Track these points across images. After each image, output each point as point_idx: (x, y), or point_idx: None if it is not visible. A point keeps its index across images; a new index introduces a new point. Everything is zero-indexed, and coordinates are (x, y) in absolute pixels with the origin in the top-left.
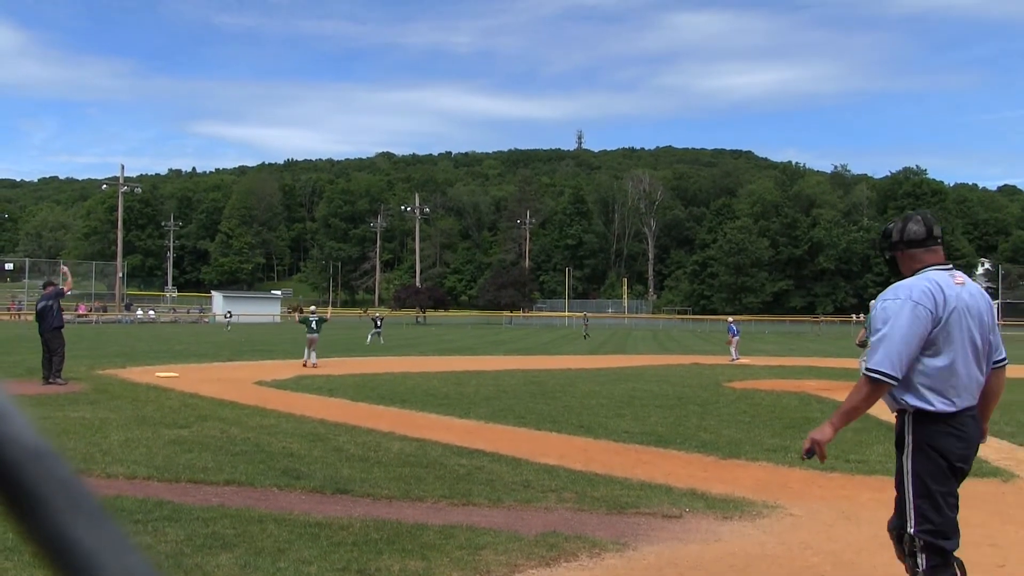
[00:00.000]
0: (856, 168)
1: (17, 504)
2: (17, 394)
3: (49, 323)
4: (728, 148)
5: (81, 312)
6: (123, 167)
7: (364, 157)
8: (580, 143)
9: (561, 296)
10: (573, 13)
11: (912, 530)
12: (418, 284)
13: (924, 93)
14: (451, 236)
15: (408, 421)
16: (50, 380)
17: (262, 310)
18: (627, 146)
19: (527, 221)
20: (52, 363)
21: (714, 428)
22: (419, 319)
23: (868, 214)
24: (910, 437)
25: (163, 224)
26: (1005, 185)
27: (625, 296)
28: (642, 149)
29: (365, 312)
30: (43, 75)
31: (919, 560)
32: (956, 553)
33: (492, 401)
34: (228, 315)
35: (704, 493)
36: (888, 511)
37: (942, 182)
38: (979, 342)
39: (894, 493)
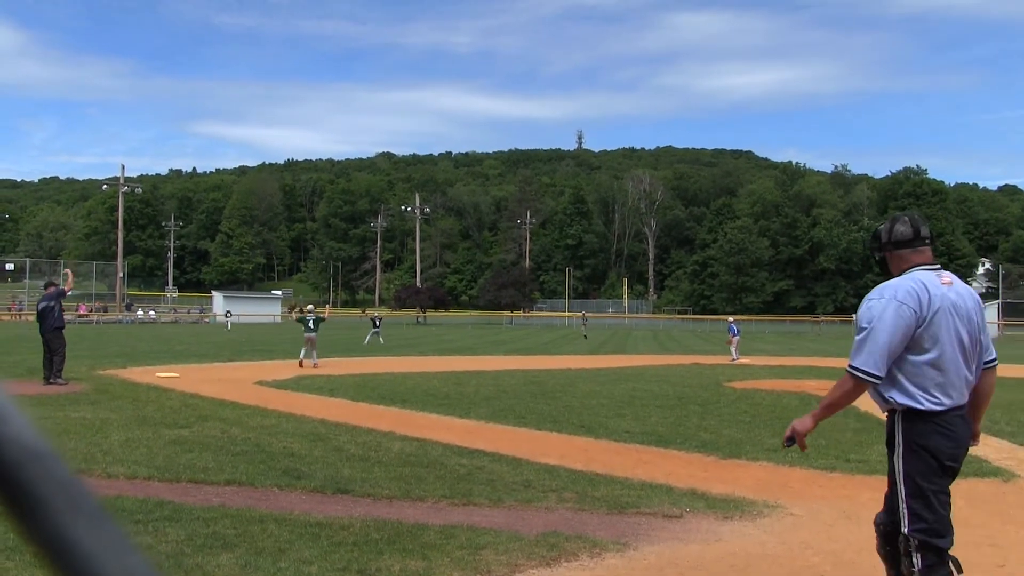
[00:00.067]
0: (856, 168)
1: (17, 505)
2: (18, 394)
3: (50, 323)
4: (728, 148)
5: (82, 312)
6: (123, 167)
7: (364, 157)
8: (580, 143)
9: (561, 296)
10: (573, 13)
11: (906, 530)
12: (418, 284)
13: (924, 93)
14: (451, 236)
15: (408, 421)
16: (51, 380)
17: (262, 310)
18: (627, 146)
19: (527, 221)
20: (53, 363)
21: (715, 428)
22: (419, 319)
23: (868, 214)
24: (900, 437)
25: (163, 224)
26: (1005, 185)
27: (625, 296)
28: (642, 149)
29: (363, 312)
30: (43, 75)
31: (915, 560)
32: (953, 552)
33: (492, 401)
34: (228, 315)
35: (705, 493)
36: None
37: (942, 182)
38: (967, 341)
39: None
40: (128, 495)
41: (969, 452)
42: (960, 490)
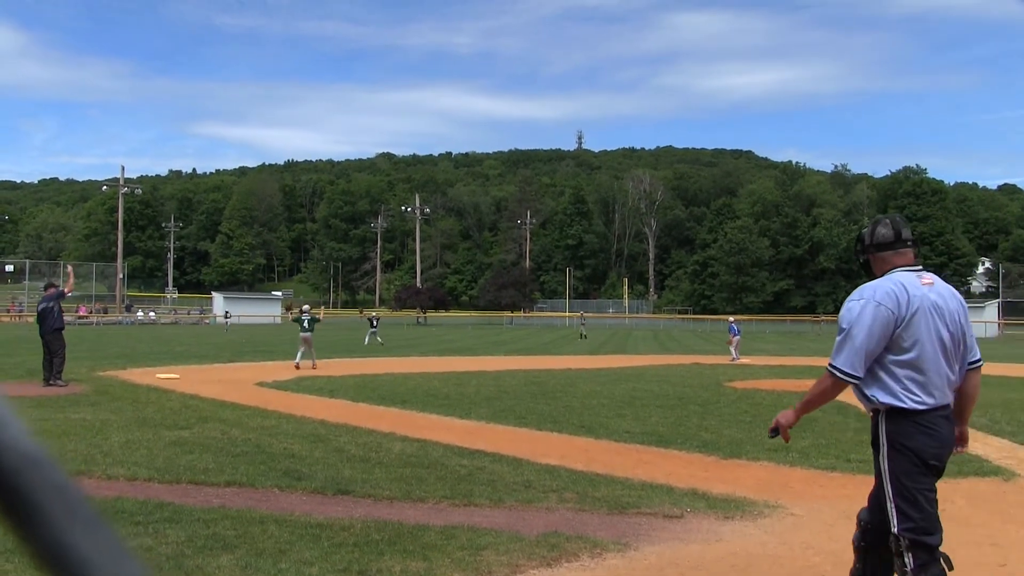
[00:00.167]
0: (856, 168)
1: (15, 511)
2: (18, 396)
3: (50, 324)
4: (728, 148)
5: (82, 314)
6: (123, 168)
7: (364, 158)
8: (580, 143)
9: (562, 296)
10: (573, 13)
11: (896, 529)
12: (419, 285)
13: (924, 93)
14: (451, 236)
15: (409, 422)
16: (51, 382)
17: (263, 311)
18: (627, 146)
19: (527, 221)
20: (53, 365)
21: (715, 428)
22: (420, 320)
23: (868, 213)
24: (884, 438)
25: (163, 225)
26: (1005, 184)
27: (626, 296)
28: (642, 149)
29: (361, 312)
30: (44, 76)
31: (906, 559)
32: (954, 552)
33: (493, 401)
34: (227, 316)
35: (705, 493)
36: None
37: (942, 181)
38: (948, 341)
39: None
40: (128, 496)
41: (969, 451)
42: (960, 489)
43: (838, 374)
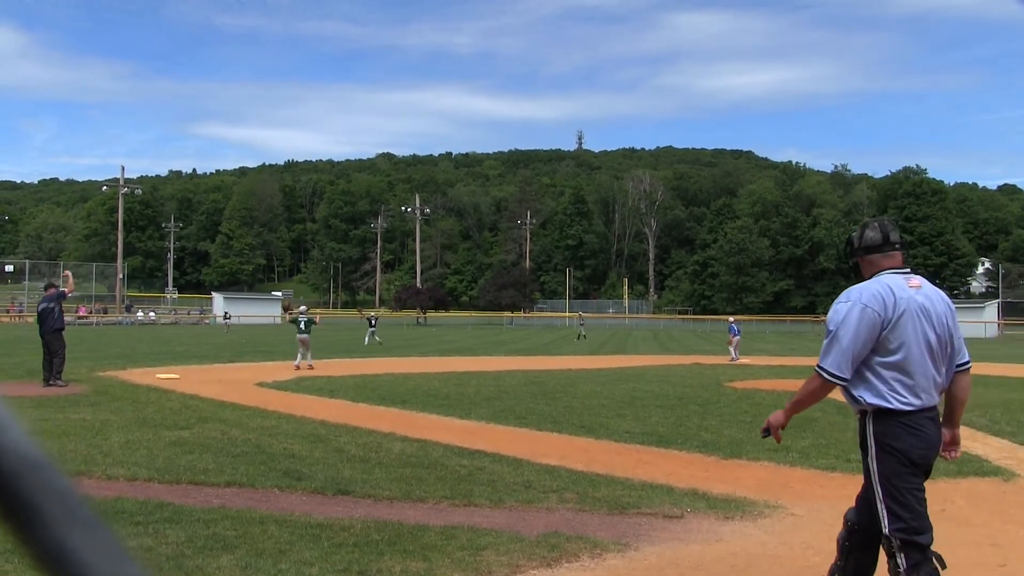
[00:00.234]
0: (856, 168)
1: (14, 514)
2: (17, 396)
3: (50, 325)
4: (728, 148)
5: (81, 314)
6: (123, 168)
7: (364, 158)
8: (580, 143)
9: (562, 296)
10: (574, 14)
11: (887, 530)
12: (419, 285)
13: (924, 93)
14: (452, 237)
15: (409, 422)
16: (51, 382)
17: (263, 311)
18: (627, 146)
19: (527, 221)
20: (52, 365)
21: (715, 428)
22: (420, 320)
23: (868, 214)
24: (872, 439)
25: (164, 225)
26: (1005, 184)
27: (626, 296)
28: (642, 149)
29: (360, 312)
30: (44, 76)
31: (899, 560)
32: (954, 552)
33: (493, 402)
34: (226, 316)
35: (705, 493)
36: None
37: (942, 181)
38: (935, 343)
39: None
40: (128, 497)
41: (969, 452)
42: (960, 490)
43: (826, 376)
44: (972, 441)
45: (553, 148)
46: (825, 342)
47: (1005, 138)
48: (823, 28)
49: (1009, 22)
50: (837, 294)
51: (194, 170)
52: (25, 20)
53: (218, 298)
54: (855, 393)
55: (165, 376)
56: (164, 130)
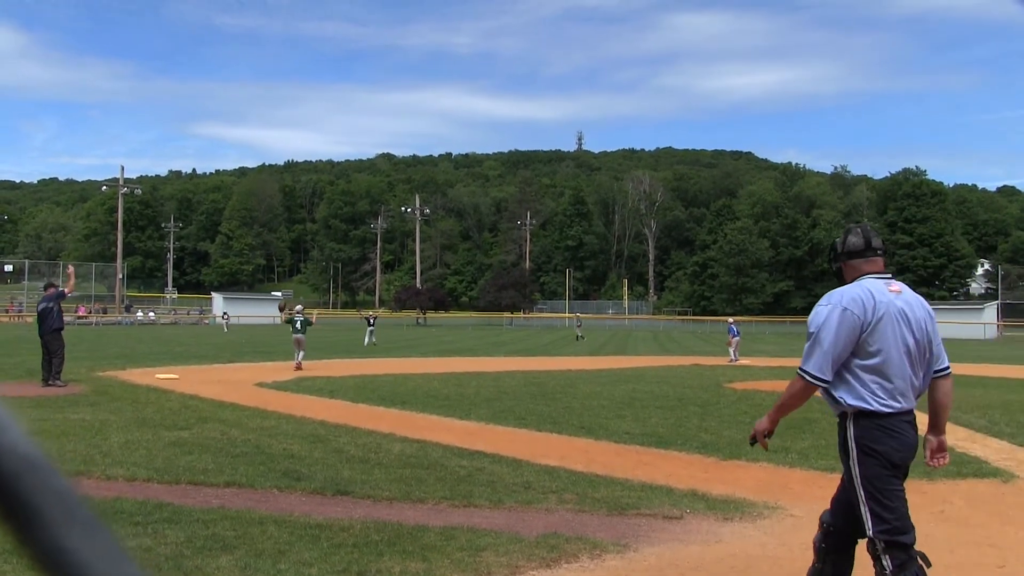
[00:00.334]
0: (856, 169)
1: (13, 515)
2: (17, 396)
3: (49, 325)
4: (728, 149)
5: (81, 314)
6: (123, 168)
7: (364, 158)
8: (580, 144)
9: (562, 297)
10: (574, 14)
11: (871, 532)
12: (418, 285)
13: (924, 93)
14: (451, 237)
15: (409, 422)
16: (50, 382)
17: (262, 312)
18: (627, 147)
19: (527, 222)
20: (52, 365)
21: (715, 429)
22: (419, 320)
23: (868, 215)
24: (853, 442)
25: (163, 225)
26: (1004, 186)
27: (625, 297)
28: (642, 150)
29: (359, 312)
30: (44, 76)
31: (885, 562)
32: (953, 552)
33: (493, 402)
34: (225, 316)
35: (705, 494)
36: None
37: (941, 183)
38: (914, 348)
39: None
40: (127, 497)
41: (968, 453)
42: (959, 491)
43: (808, 378)
44: (971, 443)
45: (553, 149)
46: (806, 345)
47: (1005, 138)
48: (823, 29)
49: (1009, 23)
50: None
51: (194, 170)
52: (25, 20)
53: (218, 298)
54: (836, 395)
55: (164, 376)
56: (164, 130)
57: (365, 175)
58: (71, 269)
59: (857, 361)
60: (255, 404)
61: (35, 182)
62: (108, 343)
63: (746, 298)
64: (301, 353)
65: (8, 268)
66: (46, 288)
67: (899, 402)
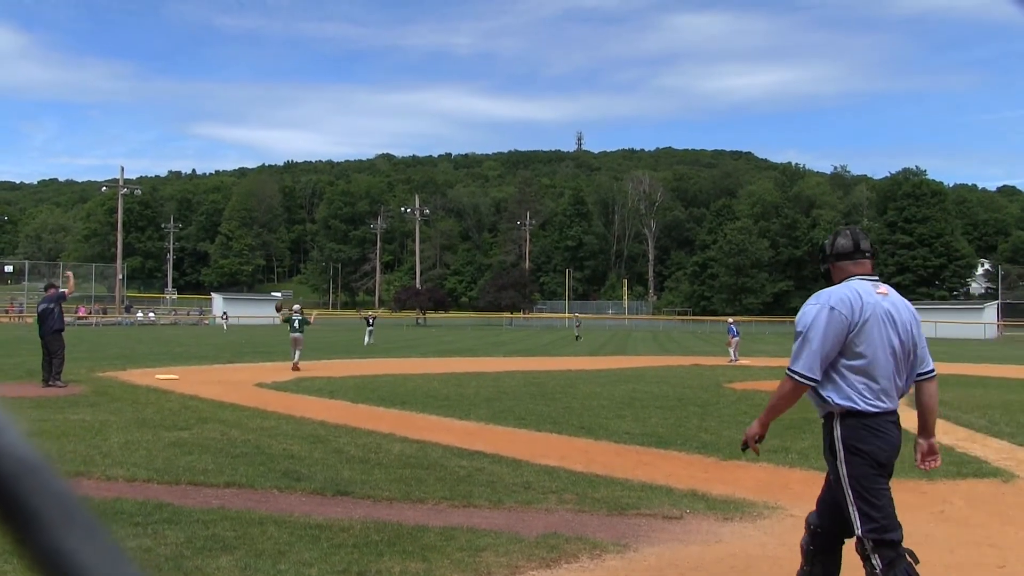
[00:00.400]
0: (856, 169)
1: (12, 517)
2: (17, 396)
3: (49, 326)
4: (728, 149)
5: (81, 314)
6: (123, 169)
7: (364, 159)
8: (580, 144)
9: (561, 297)
10: (574, 14)
11: (859, 532)
12: (418, 286)
13: (924, 93)
14: (451, 238)
15: (408, 423)
16: (50, 382)
17: (262, 312)
18: (627, 147)
19: (527, 222)
20: (52, 365)
21: (715, 429)
22: (419, 321)
23: (868, 215)
24: (840, 443)
25: (163, 226)
26: (1004, 186)
27: (625, 297)
28: (642, 150)
29: (358, 312)
30: (44, 77)
31: (874, 561)
32: (953, 552)
33: (492, 403)
34: (224, 316)
35: (705, 494)
36: None
37: (941, 183)
38: (899, 349)
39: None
40: (127, 497)
41: (968, 453)
42: (960, 491)
43: (797, 378)
44: (971, 442)
45: (553, 149)
46: (795, 344)
47: (1005, 138)
48: (823, 29)
49: (1009, 23)
50: None
51: (193, 170)
52: (25, 21)
53: (217, 299)
54: (823, 394)
55: (164, 377)
56: (164, 130)
57: (365, 175)
58: (69, 273)
59: (844, 361)
60: (255, 404)
61: (35, 183)
62: (108, 344)
63: (746, 298)
64: (298, 353)
65: (8, 269)
66: (46, 289)
67: (884, 402)
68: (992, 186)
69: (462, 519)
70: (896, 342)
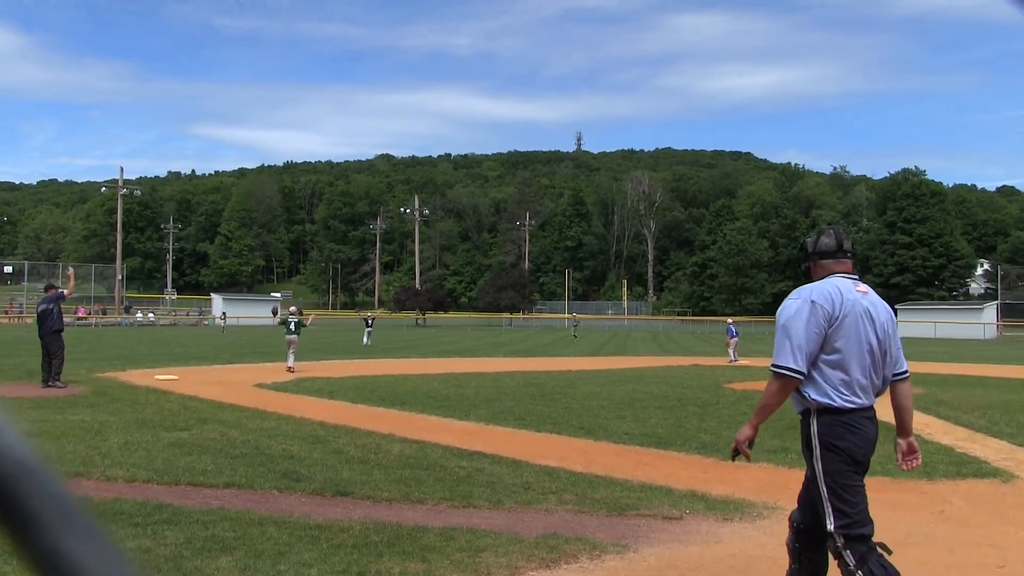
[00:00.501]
0: (855, 169)
1: (10, 519)
2: (16, 397)
3: (49, 326)
4: (728, 149)
5: (80, 315)
6: (122, 169)
7: (364, 159)
8: (579, 145)
9: (561, 298)
10: (573, 14)
11: (831, 527)
12: (418, 286)
13: (924, 93)
14: (451, 238)
15: (408, 423)
16: (49, 383)
17: (262, 312)
18: (627, 148)
19: (527, 223)
20: (51, 366)
21: (714, 429)
22: (419, 321)
23: (867, 215)
24: (816, 439)
25: (162, 226)
26: (1004, 186)
27: (625, 297)
28: (641, 151)
29: (358, 313)
30: (44, 77)
31: (847, 558)
32: (953, 552)
33: (492, 403)
34: (223, 317)
35: (704, 494)
36: (882, 511)
37: (941, 183)
38: (876, 347)
39: (890, 494)
40: (127, 498)
41: (968, 453)
42: (959, 491)
43: (783, 371)
44: (971, 443)
45: (552, 149)
46: (776, 339)
47: (1005, 138)
48: (823, 29)
49: (1009, 23)
50: None
51: (193, 171)
52: (25, 21)
53: (217, 299)
54: (801, 390)
55: (164, 377)
56: (163, 131)
57: (364, 176)
58: (71, 271)
59: (822, 356)
60: (254, 405)
61: (35, 183)
62: (107, 344)
63: (745, 298)
64: (292, 355)
65: (8, 269)
66: (46, 289)
67: (861, 398)
68: (992, 186)
69: (462, 520)
70: (874, 340)
